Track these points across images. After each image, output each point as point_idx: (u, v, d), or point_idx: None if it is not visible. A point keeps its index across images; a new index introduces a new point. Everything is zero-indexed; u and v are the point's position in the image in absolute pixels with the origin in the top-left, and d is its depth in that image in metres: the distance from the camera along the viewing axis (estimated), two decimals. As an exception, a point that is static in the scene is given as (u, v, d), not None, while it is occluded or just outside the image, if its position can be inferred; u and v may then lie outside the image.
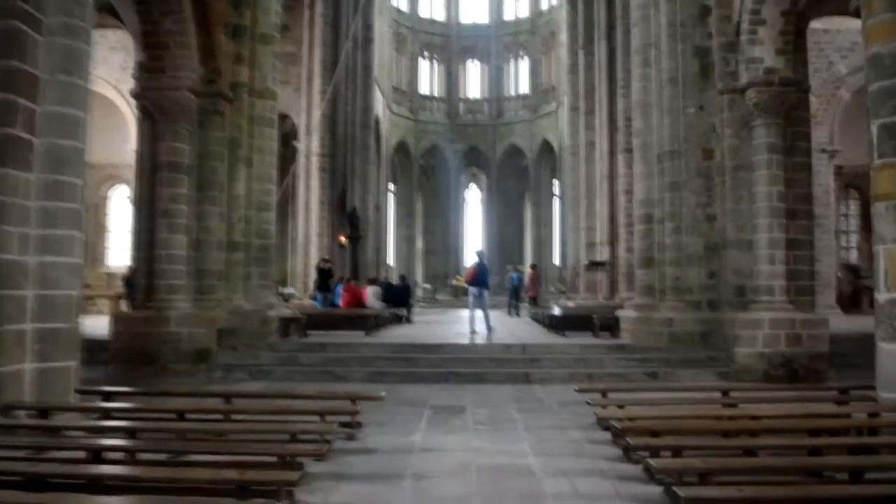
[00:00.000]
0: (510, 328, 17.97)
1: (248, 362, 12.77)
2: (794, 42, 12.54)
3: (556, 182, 39.82)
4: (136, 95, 13.27)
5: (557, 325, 15.49)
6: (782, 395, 8.49)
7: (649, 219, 13.59)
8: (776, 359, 12.07)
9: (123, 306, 16.92)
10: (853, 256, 29.30)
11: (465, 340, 14.13)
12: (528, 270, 26.17)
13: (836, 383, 9.52)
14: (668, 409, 7.32)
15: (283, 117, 29.04)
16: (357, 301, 20.40)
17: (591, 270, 24.82)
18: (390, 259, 40.15)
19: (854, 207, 29.49)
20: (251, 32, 14.13)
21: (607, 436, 7.38)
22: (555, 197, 40.77)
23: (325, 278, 21.18)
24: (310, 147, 25.45)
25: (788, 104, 12.64)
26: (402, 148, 41.19)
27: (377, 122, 34.60)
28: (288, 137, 29.14)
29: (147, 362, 12.41)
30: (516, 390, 11.03)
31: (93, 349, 13.75)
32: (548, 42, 40.97)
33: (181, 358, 12.51)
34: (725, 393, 8.22)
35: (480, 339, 14.61)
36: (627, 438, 6.17)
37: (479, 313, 16.00)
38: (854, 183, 27.78)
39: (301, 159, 25.86)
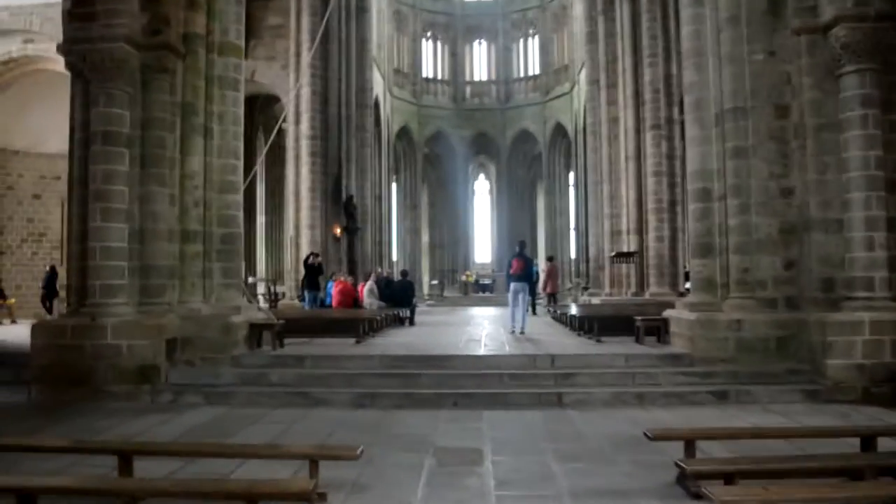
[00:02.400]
0: (529, 331, 15.22)
1: (204, 381, 10.12)
2: (897, -38, 9.81)
3: (571, 169, 37.02)
4: (63, 50, 10.60)
5: (589, 327, 12.76)
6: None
7: (707, 195, 10.84)
8: (879, 372, 9.39)
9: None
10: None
11: (480, 350, 11.41)
12: (543, 264, 23.12)
13: None
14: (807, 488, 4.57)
15: (272, 100, 26.50)
16: (352, 300, 17.76)
17: (617, 262, 22.09)
18: (394, 254, 37.45)
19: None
20: (208, -30, 11.47)
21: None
22: (570, 185, 37.97)
23: (313, 275, 18.51)
24: (299, 129, 22.76)
25: (886, 45, 9.89)
26: (404, 134, 38.45)
27: (377, 105, 31.86)
28: (275, 121, 26.55)
29: (78, 383, 9.94)
30: (548, 419, 8.33)
31: (17, 365, 11.27)
32: (559, 17, 38.12)
33: (120, 377, 9.94)
34: (868, 440, 5.49)
35: (529, 345, 11.92)
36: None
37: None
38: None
39: (290, 143, 23.22)
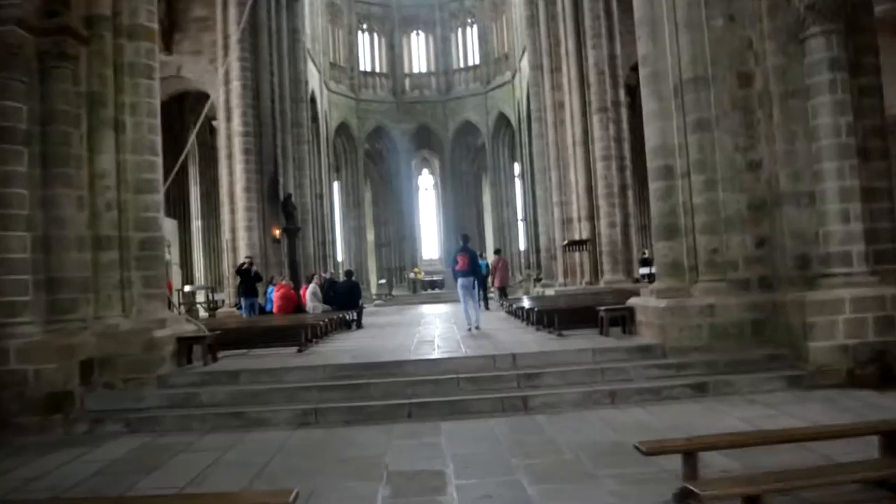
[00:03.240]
0: (484, 327, 14.35)
1: (126, 406, 8.94)
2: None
3: (516, 159, 36.38)
4: (-57, 36, 9.25)
5: (548, 321, 11.93)
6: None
7: (669, 172, 10.09)
8: (863, 353, 8.77)
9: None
10: None
11: (434, 352, 10.44)
12: (492, 257, 22.21)
13: None
14: None
15: (203, 98, 25.01)
16: (294, 306, 16.65)
17: (569, 251, 21.42)
18: (338, 254, 36.25)
19: None
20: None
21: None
22: (515, 176, 37.34)
23: (249, 281, 17.31)
24: (231, 126, 21.45)
25: (852, 4, 9.31)
26: (344, 130, 37.25)
27: (313, 100, 30.63)
28: (208, 120, 25.13)
29: (-21, 416, 8.57)
30: (514, 428, 7.43)
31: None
32: (497, 5, 37.49)
33: (28, 407, 8.67)
34: (893, 438, 4.73)
35: (486, 343, 11.01)
36: None
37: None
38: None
39: (222, 141, 21.89)
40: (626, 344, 9.80)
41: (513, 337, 11.82)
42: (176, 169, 12.71)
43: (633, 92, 23.65)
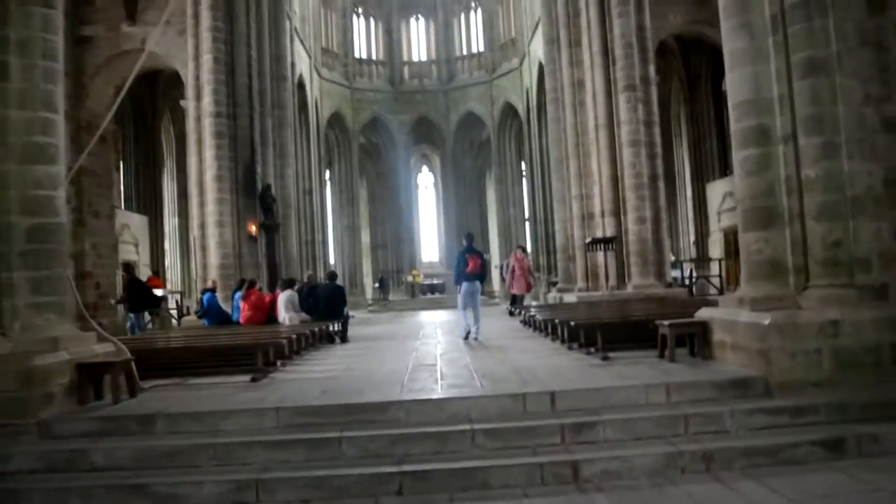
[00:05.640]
0: (501, 345, 11.46)
1: (-17, 469, 6.05)
2: None
3: (523, 152, 33.51)
4: None
5: (586, 338, 9.04)
6: None
7: (764, 136, 7.22)
8: None
9: None
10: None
11: (434, 383, 7.52)
12: (515, 255, 18.45)
13: None
14: None
15: (178, 80, 22.10)
16: (265, 315, 13.75)
17: (592, 251, 18.54)
18: (330, 255, 33.35)
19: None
20: None
21: None
22: (522, 171, 34.47)
23: (141, 292, 14.59)
24: (201, 106, 18.56)
25: None
26: (337, 121, 34.38)
27: (301, 85, 27.80)
28: (177, 97, 22.34)
29: None
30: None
31: None
32: (504, -14, 34.58)
33: None
34: None
35: (507, 371, 8.10)
36: None
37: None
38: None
39: (191, 124, 19.00)
40: (709, 376, 6.87)
41: (540, 360, 8.89)
42: (86, 151, 9.78)
43: (662, 69, 20.84)
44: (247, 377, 8.41)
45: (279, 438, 6.10)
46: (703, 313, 8.13)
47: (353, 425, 6.21)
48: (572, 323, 9.15)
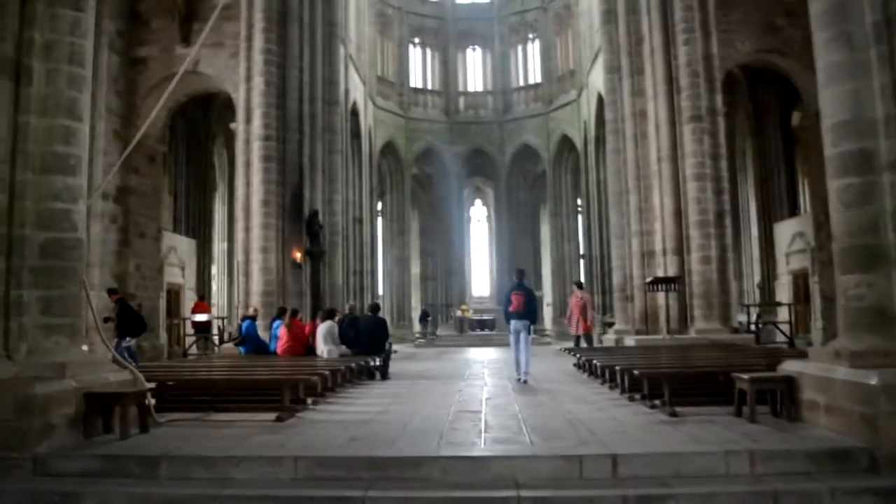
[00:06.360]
0: (553, 390, 10.51)
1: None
2: None
3: (579, 187, 32.55)
4: None
5: (652, 390, 8.03)
6: None
7: (866, 162, 6.23)
8: None
9: None
10: None
11: (477, 436, 6.61)
12: (576, 293, 17.13)
13: None
14: None
15: (219, 98, 21.96)
16: (303, 345, 13.07)
17: (651, 291, 17.43)
18: (379, 286, 32.75)
19: None
20: None
21: None
22: (578, 206, 33.45)
23: (131, 319, 13.95)
24: (250, 129, 18.23)
25: None
26: (390, 150, 34.01)
27: (355, 112, 27.50)
28: (226, 120, 22.19)
29: None
30: None
31: None
32: (562, 18, 34.03)
33: None
34: None
35: (560, 423, 7.19)
36: None
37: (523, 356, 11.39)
38: None
39: (239, 146, 18.68)
40: (801, 444, 5.82)
41: (598, 412, 7.91)
42: (123, 157, 9.25)
43: (728, 101, 19.80)
44: (273, 415, 7.64)
45: (294, 494, 5.28)
46: (790, 367, 7.07)
47: (381, 483, 5.37)
48: (636, 372, 8.13)
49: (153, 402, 7.58)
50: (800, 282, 21.87)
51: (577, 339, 16.61)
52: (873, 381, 5.61)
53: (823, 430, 6.23)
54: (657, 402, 7.85)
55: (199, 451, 5.96)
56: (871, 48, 6.33)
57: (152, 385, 7.82)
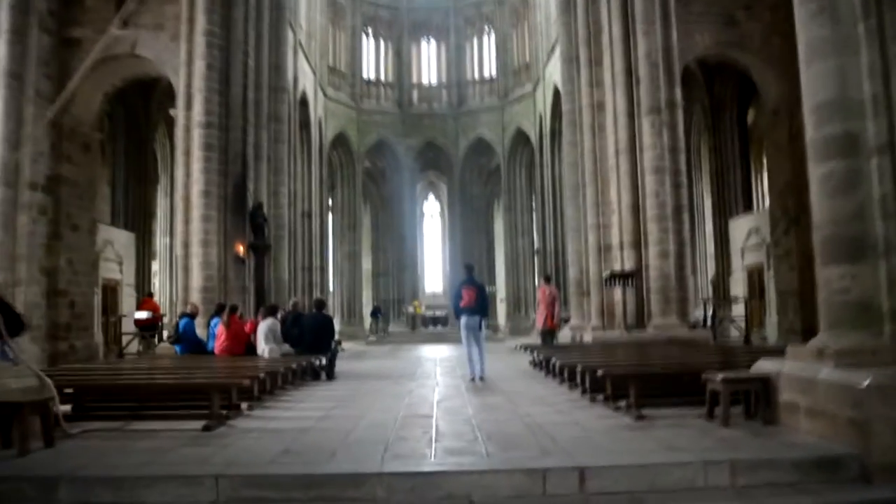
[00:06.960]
0: (510, 391, 9.90)
1: None
2: None
3: (534, 181, 32.15)
4: None
5: (616, 390, 7.48)
6: None
7: (851, 145, 5.76)
8: None
9: None
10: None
11: (427, 446, 5.93)
12: (542, 287, 16.43)
13: None
14: None
15: (160, 84, 20.79)
16: (244, 345, 12.23)
17: (609, 286, 16.99)
18: (329, 282, 31.86)
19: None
20: None
21: None
22: (533, 201, 33.07)
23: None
24: (190, 116, 17.21)
25: None
26: (341, 143, 33.12)
27: (304, 102, 26.59)
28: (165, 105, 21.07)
29: None
30: None
31: None
32: (518, 11, 33.57)
33: None
34: None
35: (519, 428, 6.54)
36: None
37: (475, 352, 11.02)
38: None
39: (179, 133, 17.63)
40: (785, 452, 5.27)
41: (559, 415, 7.30)
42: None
43: (685, 96, 19.45)
44: (200, 423, 6.85)
45: (214, 519, 4.54)
46: (765, 366, 6.57)
47: (314, 502, 4.65)
48: (599, 372, 7.55)
49: (64, 410, 6.74)
50: (755, 277, 21.73)
51: (544, 334, 15.88)
52: (863, 382, 5.09)
53: (805, 434, 5.72)
54: (621, 403, 7.30)
55: (106, 471, 5.16)
56: (860, 23, 5.85)
57: (61, 391, 6.96)
